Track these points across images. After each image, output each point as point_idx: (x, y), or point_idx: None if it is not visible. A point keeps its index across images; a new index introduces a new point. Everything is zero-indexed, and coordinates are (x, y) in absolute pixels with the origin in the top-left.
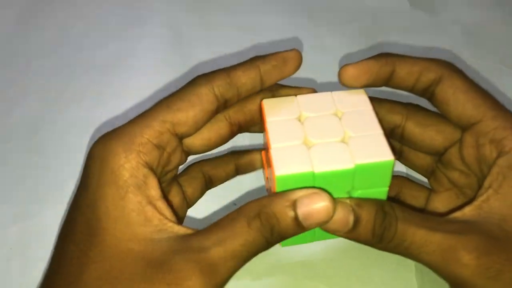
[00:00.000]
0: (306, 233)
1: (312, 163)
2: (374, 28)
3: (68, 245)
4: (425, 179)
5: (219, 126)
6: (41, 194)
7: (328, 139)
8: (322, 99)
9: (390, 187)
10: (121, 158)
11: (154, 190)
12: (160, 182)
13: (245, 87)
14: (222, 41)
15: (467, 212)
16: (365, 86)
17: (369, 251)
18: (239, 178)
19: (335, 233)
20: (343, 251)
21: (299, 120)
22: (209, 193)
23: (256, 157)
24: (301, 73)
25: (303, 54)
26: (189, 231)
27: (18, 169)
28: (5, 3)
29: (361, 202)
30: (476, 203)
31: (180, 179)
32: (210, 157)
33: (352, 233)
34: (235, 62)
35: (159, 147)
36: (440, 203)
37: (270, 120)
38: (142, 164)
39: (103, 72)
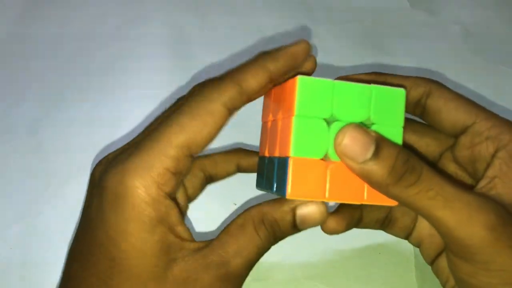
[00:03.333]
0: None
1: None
2: (374, 28)
3: (88, 278)
4: None
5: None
6: (41, 194)
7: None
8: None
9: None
10: (141, 193)
11: (175, 217)
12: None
13: (256, 94)
14: (222, 41)
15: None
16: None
17: (369, 251)
18: (239, 176)
19: (349, 162)
20: (343, 251)
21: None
22: (209, 192)
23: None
24: None
25: None
26: (202, 245)
27: (18, 169)
28: (5, 3)
29: (385, 138)
30: (484, 189)
31: None
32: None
33: (367, 165)
34: (236, 62)
35: (178, 174)
36: None
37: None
38: (163, 196)
39: (103, 72)
